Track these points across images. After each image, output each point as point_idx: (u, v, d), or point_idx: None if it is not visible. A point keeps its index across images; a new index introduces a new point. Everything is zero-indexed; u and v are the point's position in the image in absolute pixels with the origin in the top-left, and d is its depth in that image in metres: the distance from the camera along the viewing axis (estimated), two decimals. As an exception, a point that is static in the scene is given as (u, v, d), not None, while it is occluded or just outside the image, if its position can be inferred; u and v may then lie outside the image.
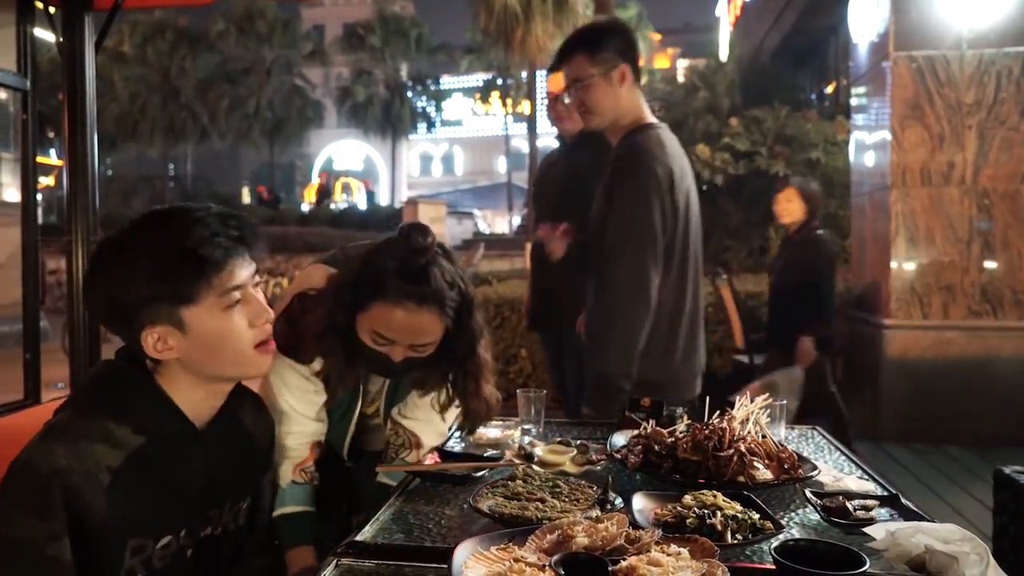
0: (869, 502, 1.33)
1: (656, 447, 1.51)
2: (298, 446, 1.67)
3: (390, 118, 37.02)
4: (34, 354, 2.27)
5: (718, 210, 9.38)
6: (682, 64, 27.23)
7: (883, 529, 1.17)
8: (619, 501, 1.33)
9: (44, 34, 2.33)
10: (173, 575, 1.28)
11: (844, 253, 7.91)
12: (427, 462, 1.65)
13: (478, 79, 37.86)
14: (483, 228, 28.67)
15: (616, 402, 2.13)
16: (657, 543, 1.06)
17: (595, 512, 1.24)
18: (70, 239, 2.30)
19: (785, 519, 1.31)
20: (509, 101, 33.45)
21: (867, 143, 6.04)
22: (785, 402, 1.74)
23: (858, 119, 6.39)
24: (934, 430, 5.14)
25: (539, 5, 16.52)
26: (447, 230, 18.25)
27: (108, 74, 28.96)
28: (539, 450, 1.62)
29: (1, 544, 1.13)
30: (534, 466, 1.52)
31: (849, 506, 1.29)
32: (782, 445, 1.52)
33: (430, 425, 1.78)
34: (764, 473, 1.43)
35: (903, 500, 1.38)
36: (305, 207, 28.79)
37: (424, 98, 39.04)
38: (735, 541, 1.17)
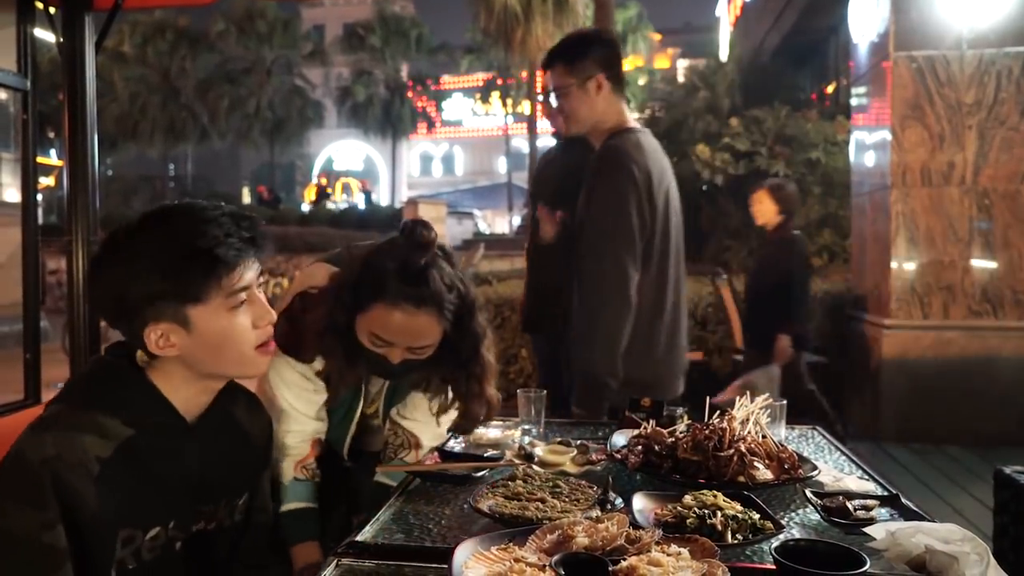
0: (869, 502, 1.33)
1: (656, 447, 1.51)
2: (298, 444, 1.68)
3: (390, 118, 37.02)
4: (34, 354, 2.27)
5: (718, 210, 9.39)
6: (682, 64, 27.27)
7: (883, 529, 1.17)
8: (619, 501, 1.33)
9: (44, 34, 2.33)
10: (163, 567, 1.28)
11: (844, 253, 7.92)
12: (427, 462, 1.65)
13: (478, 79, 37.85)
14: (483, 228, 28.66)
15: (604, 400, 2.19)
16: (657, 543, 1.06)
17: (595, 512, 1.24)
18: (70, 239, 2.30)
19: (785, 519, 1.31)
20: (509, 101, 33.45)
21: (867, 143, 6.04)
22: (785, 402, 1.75)
23: (858, 119, 6.39)
24: (934, 430, 5.14)
25: (539, 5, 16.53)
26: (447, 230, 18.25)
27: (108, 74, 28.96)
28: (539, 450, 1.62)
29: None
30: (534, 466, 1.52)
31: (849, 506, 1.29)
32: (782, 445, 1.52)
33: (429, 426, 1.78)
34: (764, 473, 1.43)
35: (903, 500, 1.38)
36: (305, 207, 28.79)
37: (424, 98, 39.07)
38: (735, 541, 1.17)
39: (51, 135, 20.50)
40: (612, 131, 2.31)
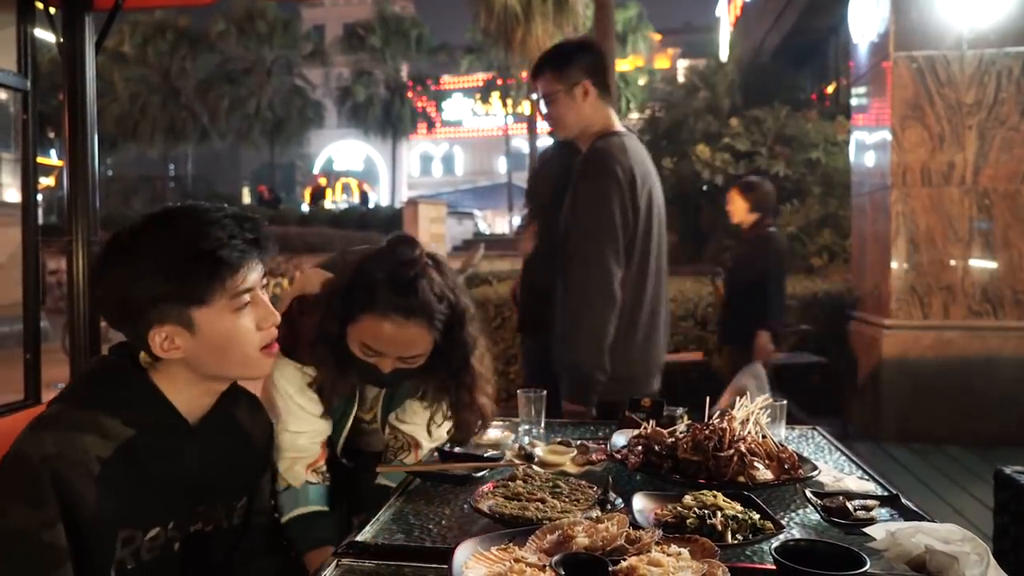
0: (869, 502, 1.33)
1: (656, 447, 1.51)
2: (311, 445, 1.67)
3: (390, 118, 37.00)
4: (34, 354, 2.27)
5: (718, 210, 9.38)
6: (682, 64, 27.26)
7: (883, 529, 1.17)
8: (619, 501, 1.33)
9: (44, 34, 2.33)
10: (161, 568, 1.28)
11: (844, 253, 7.91)
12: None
13: (478, 79, 37.84)
14: (483, 228, 28.64)
15: (593, 393, 2.28)
16: (657, 543, 1.06)
17: (595, 512, 1.24)
18: (70, 239, 2.30)
19: (785, 519, 1.31)
20: (509, 101, 33.44)
21: (867, 143, 6.04)
22: (784, 402, 1.75)
23: (858, 119, 6.39)
24: (934, 430, 5.14)
25: (539, 5, 16.50)
26: (447, 230, 18.23)
27: (108, 74, 28.94)
28: (539, 450, 1.62)
29: None
30: (534, 466, 1.52)
31: (849, 506, 1.29)
32: (782, 445, 1.52)
33: (431, 432, 1.78)
34: (764, 473, 1.43)
35: (903, 500, 1.38)
36: (305, 207, 28.78)
37: (424, 98, 39.06)
38: (735, 541, 1.17)
39: (51, 135, 20.49)
40: (598, 135, 2.40)
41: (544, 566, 1.01)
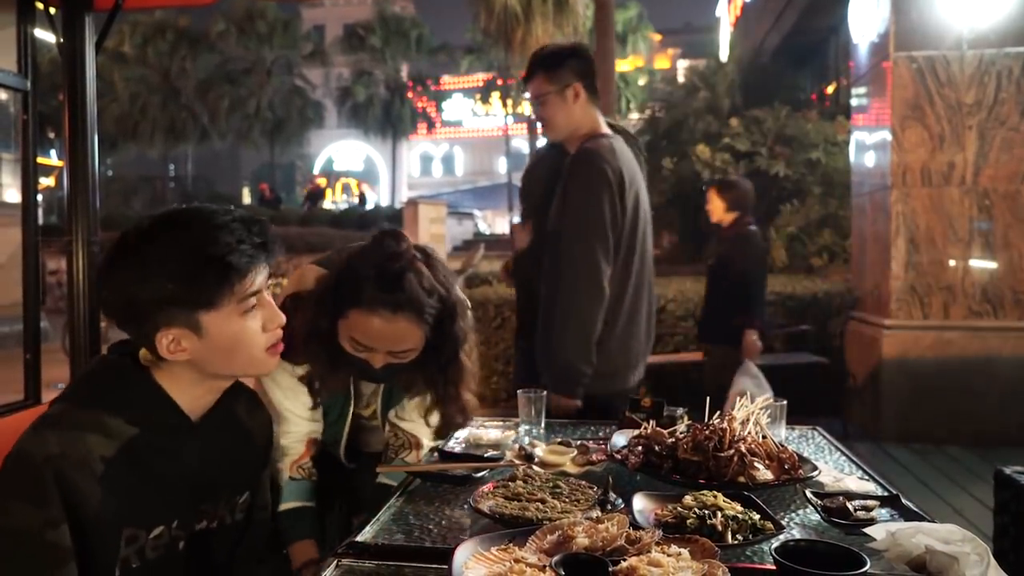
0: (869, 502, 1.33)
1: (656, 447, 1.51)
2: (293, 444, 1.69)
3: (390, 118, 36.97)
4: (34, 354, 2.27)
5: (718, 210, 9.38)
6: (682, 64, 27.28)
7: (883, 529, 1.17)
8: (619, 501, 1.33)
9: (44, 34, 2.33)
10: (166, 566, 1.28)
11: (844, 253, 7.92)
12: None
13: (478, 79, 37.83)
14: (483, 228, 28.63)
15: (580, 387, 2.34)
16: (657, 544, 1.06)
17: (595, 512, 1.24)
18: (70, 239, 2.30)
19: (785, 519, 1.31)
20: (509, 101, 33.44)
21: (867, 143, 6.04)
22: (784, 402, 1.75)
23: (858, 119, 6.39)
24: (934, 430, 5.14)
25: (539, 5, 16.50)
26: (447, 231, 18.21)
27: (108, 74, 28.93)
28: (539, 450, 1.62)
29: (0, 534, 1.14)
30: (534, 467, 1.52)
31: (849, 506, 1.29)
32: (782, 445, 1.52)
33: (427, 427, 1.78)
34: (764, 473, 1.43)
35: (903, 500, 1.38)
36: (305, 207, 28.77)
37: (424, 98, 39.05)
38: (735, 542, 1.17)
39: (51, 135, 20.49)
40: (587, 136, 2.46)
41: (544, 566, 1.01)
